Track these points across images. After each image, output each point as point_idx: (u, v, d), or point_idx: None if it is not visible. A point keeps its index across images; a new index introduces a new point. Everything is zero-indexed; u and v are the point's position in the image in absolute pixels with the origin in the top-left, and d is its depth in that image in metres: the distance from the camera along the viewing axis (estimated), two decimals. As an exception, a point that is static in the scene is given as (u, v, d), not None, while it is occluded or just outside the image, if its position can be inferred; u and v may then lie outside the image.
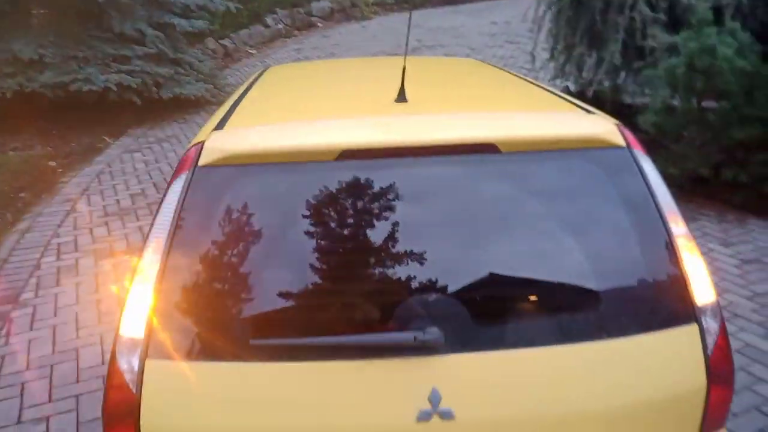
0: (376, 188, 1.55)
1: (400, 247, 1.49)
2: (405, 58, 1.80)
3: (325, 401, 1.40)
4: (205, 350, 1.42)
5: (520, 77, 2.48)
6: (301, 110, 1.98)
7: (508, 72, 2.65)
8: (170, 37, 7.86)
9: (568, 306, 1.52)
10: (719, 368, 1.49)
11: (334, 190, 1.54)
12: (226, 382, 1.40)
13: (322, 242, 1.52)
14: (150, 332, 1.40)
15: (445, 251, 1.51)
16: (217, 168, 1.54)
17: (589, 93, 5.77)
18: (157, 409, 1.38)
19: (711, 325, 1.49)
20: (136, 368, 1.37)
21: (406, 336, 1.37)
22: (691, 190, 4.73)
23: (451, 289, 1.48)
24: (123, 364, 1.38)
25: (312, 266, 1.48)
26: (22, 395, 2.93)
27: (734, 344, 2.10)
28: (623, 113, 4.14)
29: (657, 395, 1.45)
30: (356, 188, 1.55)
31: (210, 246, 1.48)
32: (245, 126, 1.76)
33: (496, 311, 1.50)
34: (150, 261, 1.44)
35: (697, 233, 4.37)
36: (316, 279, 1.49)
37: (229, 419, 1.38)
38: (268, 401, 1.39)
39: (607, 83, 5.86)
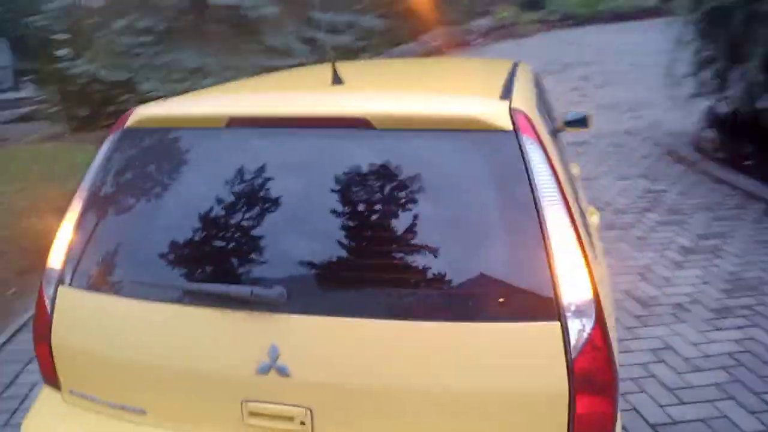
0: (258, 155, 1.64)
1: (268, 211, 1.58)
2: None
3: (179, 342, 1.55)
4: (99, 283, 1.65)
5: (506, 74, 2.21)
6: (247, 87, 2.21)
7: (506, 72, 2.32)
8: (318, 51, 8.49)
9: (417, 283, 1.47)
10: (588, 375, 1.36)
11: (220, 154, 1.68)
12: (108, 312, 1.62)
13: (203, 198, 1.63)
14: (64, 264, 1.67)
15: (307, 219, 1.56)
16: (137, 129, 1.78)
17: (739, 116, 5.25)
18: (62, 329, 1.66)
19: (578, 325, 1.36)
20: (51, 294, 1.66)
21: (243, 289, 1.46)
22: None
23: (304, 254, 1.51)
24: (46, 290, 1.68)
25: (191, 218, 1.62)
26: None
27: None
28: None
29: (506, 388, 1.39)
30: (239, 153, 1.66)
31: (120, 196, 1.74)
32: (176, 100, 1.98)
33: (345, 280, 1.51)
34: (74, 205, 1.72)
35: None
36: (192, 231, 1.61)
37: (102, 346, 1.63)
38: (134, 335, 1.59)
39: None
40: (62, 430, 1.69)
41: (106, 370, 1.63)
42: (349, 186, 1.57)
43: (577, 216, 1.51)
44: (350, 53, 9.82)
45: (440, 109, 1.61)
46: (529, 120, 1.55)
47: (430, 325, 1.43)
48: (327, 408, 1.48)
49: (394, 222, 1.52)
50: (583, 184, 3.70)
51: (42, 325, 1.68)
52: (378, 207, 1.55)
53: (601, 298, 1.42)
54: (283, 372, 1.46)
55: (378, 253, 1.52)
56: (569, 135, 4.22)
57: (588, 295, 1.39)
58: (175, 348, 1.56)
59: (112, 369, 1.62)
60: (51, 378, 1.71)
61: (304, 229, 1.55)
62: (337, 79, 1.91)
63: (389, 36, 11.46)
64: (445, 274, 1.46)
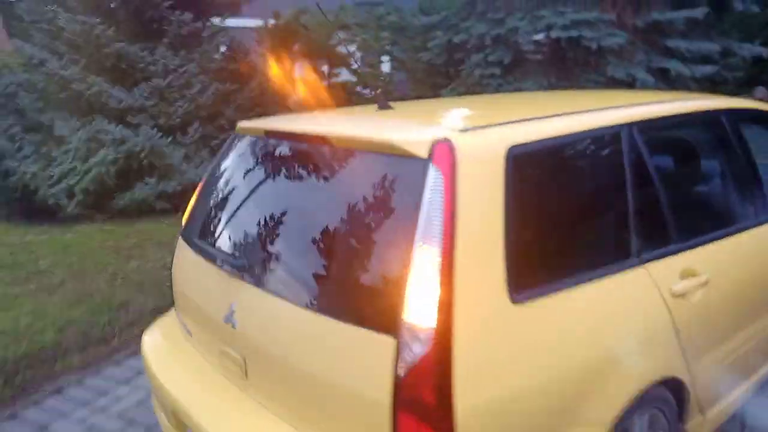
0: (273, 160, 2.10)
1: (257, 208, 2.05)
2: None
3: (202, 286, 2.15)
4: (187, 238, 2.34)
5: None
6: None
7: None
8: (670, 82, 7.78)
9: (308, 278, 1.76)
10: (412, 396, 1.43)
11: (260, 158, 2.18)
12: (186, 258, 2.30)
13: (236, 195, 2.19)
14: (185, 222, 2.46)
15: (278, 214, 1.91)
16: (242, 136, 2.30)
17: None
18: (175, 262, 2.46)
19: (412, 347, 1.43)
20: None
21: (219, 255, 2.04)
22: None
23: (267, 240, 1.93)
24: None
25: (225, 208, 2.23)
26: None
27: None
28: None
29: (337, 384, 1.57)
30: (267, 158, 2.14)
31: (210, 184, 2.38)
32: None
33: (277, 267, 1.86)
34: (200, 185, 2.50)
35: None
36: (221, 214, 2.23)
37: (180, 284, 2.33)
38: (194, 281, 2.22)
39: None
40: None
41: (180, 300, 2.30)
42: (308, 191, 1.93)
43: (470, 255, 1.50)
44: (712, 86, 8.66)
45: (376, 134, 1.76)
46: (452, 152, 1.53)
47: (307, 313, 1.68)
48: (252, 360, 1.83)
49: (316, 225, 1.79)
50: None
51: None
52: (310, 212, 1.87)
53: (463, 333, 1.44)
54: (234, 325, 1.87)
55: (295, 249, 1.86)
56: None
57: (432, 320, 1.43)
58: (201, 290, 2.17)
59: (183, 298, 2.28)
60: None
61: (274, 223, 1.92)
62: (384, 105, 2.16)
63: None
64: (327, 275, 1.71)
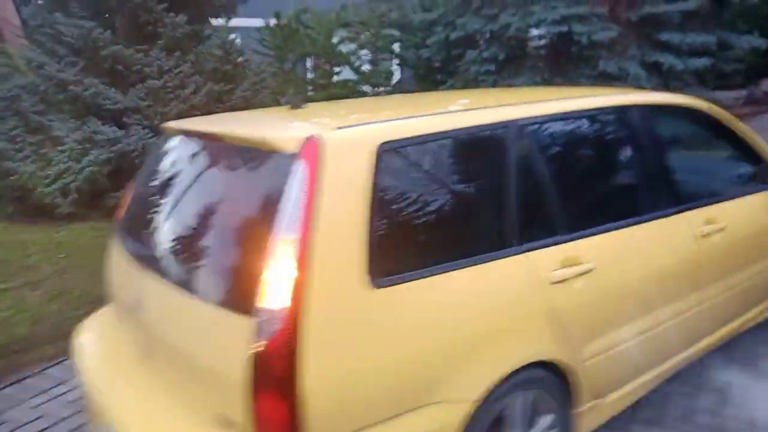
0: (182, 158, 2.27)
1: (166, 200, 2.22)
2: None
3: (123, 278, 2.30)
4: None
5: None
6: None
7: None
8: (663, 76, 7.73)
9: (184, 262, 1.98)
10: (266, 372, 1.56)
11: (174, 156, 2.33)
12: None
13: (159, 188, 2.36)
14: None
15: (176, 207, 2.13)
16: (168, 136, 2.44)
17: None
18: None
19: (265, 326, 1.57)
20: None
21: (135, 247, 2.24)
22: None
23: (166, 231, 2.13)
24: None
25: (152, 202, 2.36)
26: None
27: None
28: None
29: (208, 363, 1.73)
30: (180, 156, 2.28)
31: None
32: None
33: (170, 252, 2.06)
34: None
35: None
36: (148, 210, 2.33)
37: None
38: (117, 273, 2.41)
39: None
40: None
41: (110, 292, 2.54)
42: (203, 183, 2.09)
43: (326, 242, 1.64)
44: (713, 79, 8.55)
45: (257, 133, 1.91)
46: (318, 148, 1.68)
47: (188, 298, 1.85)
48: (152, 343, 2.04)
49: (202, 216, 1.98)
50: None
51: None
52: (201, 204, 2.07)
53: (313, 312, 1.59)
54: (142, 311, 2.09)
55: (184, 239, 2.04)
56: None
57: (284, 305, 1.57)
58: (122, 281, 2.35)
59: (111, 290, 2.54)
60: None
61: (168, 217, 2.18)
62: (296, 105, 2.27)
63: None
64: (205, 262, 1.91)
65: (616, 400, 2.37)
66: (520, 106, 2.25)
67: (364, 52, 10.96)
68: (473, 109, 2.17)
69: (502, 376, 1.88)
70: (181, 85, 7.23)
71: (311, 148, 1.69)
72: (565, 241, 2.13)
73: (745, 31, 8.53)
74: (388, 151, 1.80)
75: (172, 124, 2.38)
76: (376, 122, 1.90)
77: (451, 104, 2.45)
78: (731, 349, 3.24)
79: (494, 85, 8.52)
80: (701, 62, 7.67)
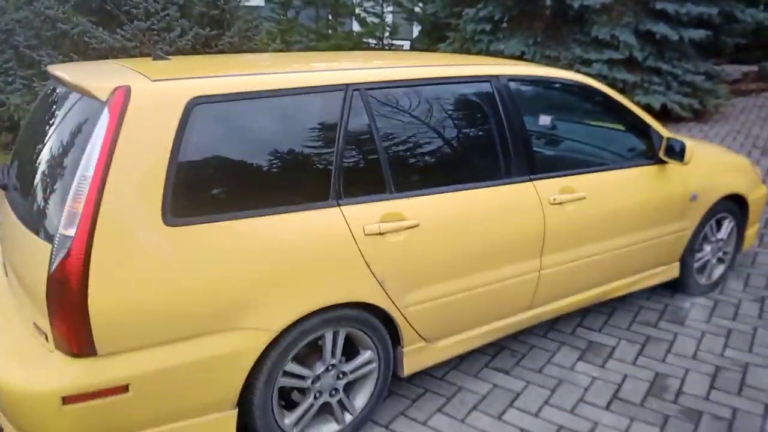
0: (50, 103, 2.38)
1: (30, 143, 2.35)
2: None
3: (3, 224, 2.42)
4: None
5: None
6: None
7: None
8: (655, 45, 7.50)
9: (27, 198, 2.13)
10: (58, 291, 1.76)
11: (47, 101, 2.44)
12: None
13: (30, 134, 2.48)
14: None
15: (33, 150, 2.27)
16: (50, 80, 2.58)
17: None
18: None
19: (59, 251, 1.77)
20: None
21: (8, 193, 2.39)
22: None
23: (21, 173, 2.31)
24: None
25: (23, 146, 2.52)
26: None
27: None
28: None
29: (33, 282, 1.91)
30: (49, 101, 2.39)
31: None
32: None
33: (19, 191, 2.24)
34: None
35: None
36: (21, 154, 2.48)
37: None
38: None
39: None
40: None
41: None
42: (48, 130, 2.24)
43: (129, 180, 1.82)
44: (709, 52, 8.26)
45: (85, 81, 2.05)
46: (124, 97, 1.85)
47: (24, 229, 2.04)
48: (8, 257, 2.29)
49: (43, 157, 2.15)
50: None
51: None
52: (46, 146, 2.17)
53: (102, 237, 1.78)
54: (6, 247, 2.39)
55: (28, 177, 2.21)
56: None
57: (71, 232, 1.77)
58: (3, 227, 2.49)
59: None
60: None
61: (28, 159, 2.31)
62: (158, 57, 2.41)
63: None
64: (33, 196, 2.09)
65: (450, 346, 2.55)
66: (351, 71, 2.32)
67: (369, 4, 10.84)
68: (297, 71, 2.22)
69: (308, 311, 2.09)
70: (168, 27, 7.33)
71: (118, 97, 1.87)
72: (388, 199, 2.26)
73: (749, 3, 8.15)
74: (200, 104, 1.95)
75: (51, 68, 2.50)
76: (191, 78, 2.00)
77: (291, 64, 2.47)
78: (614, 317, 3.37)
79: (488, 47, 8.38)
80: (697, 33, 7.40)
